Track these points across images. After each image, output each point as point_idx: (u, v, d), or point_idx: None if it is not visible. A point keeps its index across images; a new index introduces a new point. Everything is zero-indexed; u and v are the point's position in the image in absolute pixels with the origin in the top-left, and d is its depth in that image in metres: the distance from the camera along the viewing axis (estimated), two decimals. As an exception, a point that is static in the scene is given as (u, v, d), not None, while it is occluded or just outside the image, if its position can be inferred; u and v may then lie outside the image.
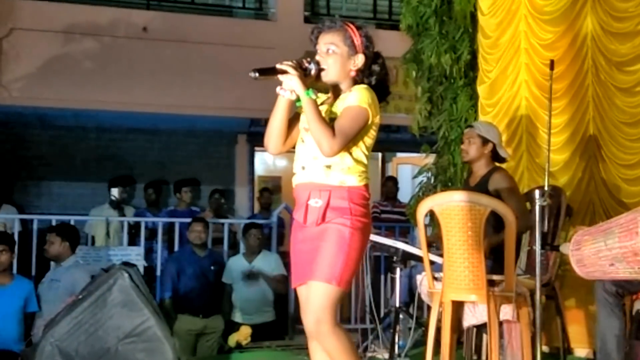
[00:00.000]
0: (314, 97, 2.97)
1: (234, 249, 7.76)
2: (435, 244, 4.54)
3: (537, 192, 3.97)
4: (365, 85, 3.05)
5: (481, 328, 4.46)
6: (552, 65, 4.84)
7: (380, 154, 11.04)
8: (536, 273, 3.91)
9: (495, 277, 4.06)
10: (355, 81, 3.09)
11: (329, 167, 3.00)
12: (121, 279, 4.40)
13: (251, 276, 6.78)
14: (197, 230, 6.77)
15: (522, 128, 5.69)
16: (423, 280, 4.36)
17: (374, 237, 4.77)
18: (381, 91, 3.11)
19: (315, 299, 2.94)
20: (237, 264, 6.93)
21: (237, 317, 6.76)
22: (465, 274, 3.97)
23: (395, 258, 4.88)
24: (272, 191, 9.79)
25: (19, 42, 8.90)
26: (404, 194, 8.66)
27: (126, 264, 4.77)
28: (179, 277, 6.69)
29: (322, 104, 3.09)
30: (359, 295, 7.28)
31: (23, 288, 5.70)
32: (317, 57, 3.07)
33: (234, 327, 6.52)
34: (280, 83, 3.00)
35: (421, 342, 4.65)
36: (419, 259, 4.57)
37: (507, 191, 4.59)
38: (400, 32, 7.08)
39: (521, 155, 5.67)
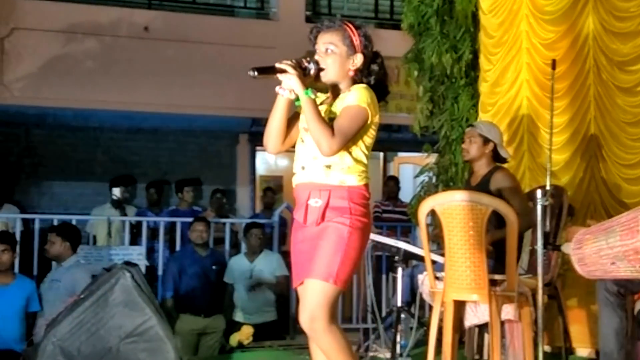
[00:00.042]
0: (313, 96, 2.97)
1: (235, 248, 7.77)
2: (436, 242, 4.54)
3: (539, 192, 3.97)
4: (364, 85, 3.05)
5: (483, 328, 4.46)
6: (553, 64, 4.84)
7: (381, 154, 11.02)
8: (538, 273, 3.91)
9: (497, 277, 4.06)
10: (354, 81, 3.08)
11: (328, 166, 2.99)
12: (123, 279, 4.39)
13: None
14: (198, 230, 6.78)
15: (524, 128, 5.68)
16: (425, 280, 4.35)
17: (375, 237, 4.78)
18: (380, 91, 3.10)
19: (311, 296, 2.92)
20: (238, 263, 6.93)
21: (239, 316, 6.76)
22: (467, 273, 3.96)
23: (396, 258, 4.89)
24: (275, 191, 9.80)
25: (21, 42, 8.89)
26: (406, 194, 8.67)
27: (128, 264, 4.75)
28: (181, 276, 6.70)
29: (321, 103, 3.08)
30: (360, 295, 7.30)
31: (25, 288, 5.70)
32: (316, 57, 3.06)
33: (235, 326, 6.52)
34: (279, 82, 2.99)
35: (423, 342, 4.65)
36: (421, 258, 4.57)
37: (509, 190, 4.57)
38: (401, 31, 7.08)
39: (522, 155, 5.66)
